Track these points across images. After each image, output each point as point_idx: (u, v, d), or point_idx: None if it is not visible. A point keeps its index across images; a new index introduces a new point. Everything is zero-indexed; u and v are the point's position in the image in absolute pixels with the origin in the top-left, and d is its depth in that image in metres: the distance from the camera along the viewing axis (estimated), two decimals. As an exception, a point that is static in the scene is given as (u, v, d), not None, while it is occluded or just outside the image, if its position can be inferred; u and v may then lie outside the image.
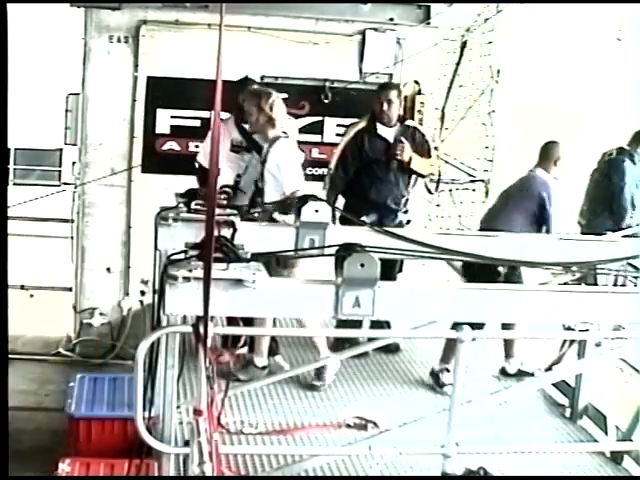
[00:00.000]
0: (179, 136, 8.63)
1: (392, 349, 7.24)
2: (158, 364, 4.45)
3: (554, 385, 6.60)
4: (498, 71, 9.75)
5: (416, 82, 8.91)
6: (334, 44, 8.72)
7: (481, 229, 6.93)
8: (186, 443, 4.43)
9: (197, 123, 8.47)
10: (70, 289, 9.19)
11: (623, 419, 5.92)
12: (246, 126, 6.87)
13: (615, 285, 5.69)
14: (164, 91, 8.57)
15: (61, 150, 18.28)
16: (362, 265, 4.19)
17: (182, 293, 4.06)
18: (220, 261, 4.11)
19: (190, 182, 6.68)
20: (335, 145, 8.55)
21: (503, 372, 6.96)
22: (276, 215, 6.11)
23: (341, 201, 7.32)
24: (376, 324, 5.94)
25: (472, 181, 10.22)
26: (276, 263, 5.79)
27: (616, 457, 5.74)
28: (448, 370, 6.51)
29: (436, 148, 9.59)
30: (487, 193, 10.08)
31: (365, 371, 6.93)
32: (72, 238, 9.35)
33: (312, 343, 6.63)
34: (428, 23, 8.72)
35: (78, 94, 8.72)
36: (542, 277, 5.89)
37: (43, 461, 6.35)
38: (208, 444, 4.07)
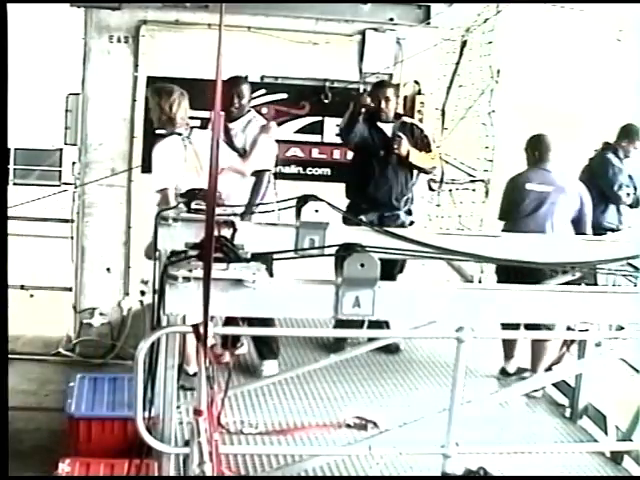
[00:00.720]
0: (179, 136, 8.61)
1: (392, 349, 7.24)
2: (158, 364, 4.45)
3: (554, 385, 6.60)
4: (498, 71, 9.74)
5: (416, 82, 8.92)
6: (334, 44, 8.72)
7: None
8: (186, 443, 4.42)
9: (197, 123, 8.45)
10: (70, 289, 9.19)
11: (623, 419, 5.92)
12: (230, 125, 6.93)
13: (615, 285, 5.69)
14: (164, 91, 8.56)
15: (61, 150, 18.29)
16: (362, 265, 4.19)
17: (182, 293, 4.06)
18: (220, 261, 4.11)
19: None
20: (335, 145, 8.59)
21: (503, 372, 6.97)
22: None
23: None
24: (375, 324, 5.93)
25: (472, 181, 10.22)
26: None
27: (616, 457, 5.74)
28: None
29: (438, 147, 9.62)
30: (487, 193, 10.08)
31: (365, 371, 6.93)
32: (72, 238, 9.35)
33: None
34: (428, 23, 8.72)
35: (78, 94, 8.72)
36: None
37: (43, 461, 6.35)
38: (208, 444, 4.07)
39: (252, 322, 5.52)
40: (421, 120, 8.87)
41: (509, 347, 6.93)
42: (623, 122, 8.79)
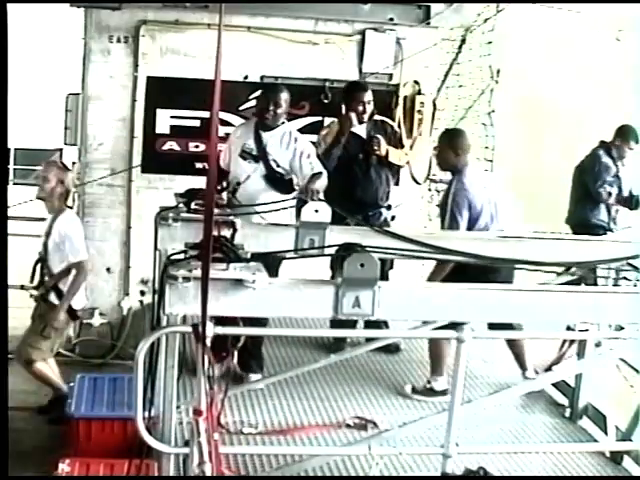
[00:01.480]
0: (179, 136, 8.62)
1: (392, 349, 7.25)
2: (158, 364, 4.45)
3: (554, 385, 6.60)
4: (498, 71, 9.73)
5: (416, 82, 8.92)
6: (334, 44, 8.71)
7: None
8: (186, 443, 4.42)
9: (197, 123, 8.47)
10: (70, 289, 9.18)
11: (623, 419, 5.92)
12: (264, 134, 6.64)
13: (615, 285, 5.69)
14: (164, 91, 8.56)
15: (61, 150, 18.29)
16: (362, 265, 4.19)
17: (182, 293, 4.06)
18: (220, 261, 4.11)
19: (190, 182, 6.67)
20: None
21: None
22: None
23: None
24: (373, 324, 5.93)
25: (472, 181, 10.21)
26: None
27: (616, 457, 5.74)
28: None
29: (435, 148, 9.62)
30: (487, 193, 10.07)
31: (365, 371, 6.93)
32: (72, 238, 9.34)
33: None
34: (428, 23, 8.72)
35: (78, 94, 8.71)
36: (542, 277, 5.89)
37: (43, 461, 6.33)
38: (208, 444, 4.07)
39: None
40: (421, 120, 8.89)
41: (520, 360, 6.83)
42: (622, 122, 8.81)
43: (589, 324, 5.54)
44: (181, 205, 5.36)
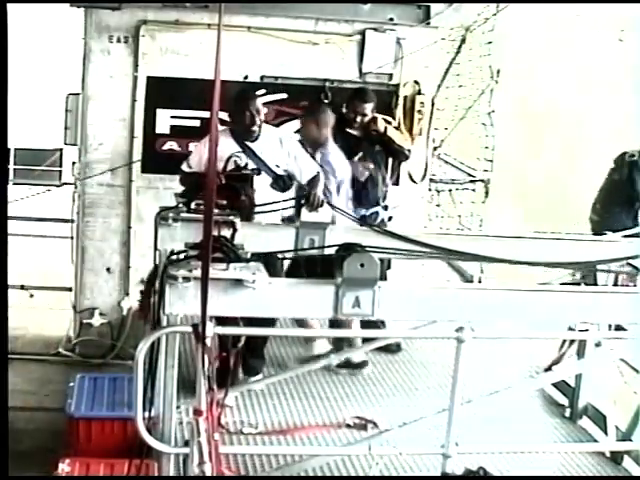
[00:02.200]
0: (179, 136, 8.62)
1: (392, 349, 7.24)
2: (158, 364, 4.45)
3: (554, 385, 6.60)
4: (498, 71, 9.75)
5: (416, 82, 8.92)
6: (334, 44, 8.72)
7: None
8: (186, 443, 4.43)
9: (197, 123, 8.47)
10: (70, 289, 9.19)
11: (623, 419, 5.92)
12: (254, 145, 6.38)
13: (615, 285, 5.69)
14: (164, 91, 8.57)
15: (61, 150, 18.28)
16: (362, 265, 4.19)
17: (182, 293, 4.06)
18: (220, 261, 4.12)
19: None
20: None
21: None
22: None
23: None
24: (371, 323, 5.92)
25: (472, 181, 10.24)
26: None
27: (616, 457, 5.73)
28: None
29: (435, 149, 9.63)
30: (487, 193, 10.09)
31: (365, 371, 6.92)
32: (72, 238, 9.35)
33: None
34: (428, 23, 8.72)
35: (78, 94, 8.72)
36: (542, 277, 5.90)
37: (43, 461, 6.35)
38: (208, 444, 4.07)
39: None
40: (421, 120, 8.89)
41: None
42: (622, 122, 8.79)
43: (589, 324, 5.54)
44: (181, 205, 5.36)
